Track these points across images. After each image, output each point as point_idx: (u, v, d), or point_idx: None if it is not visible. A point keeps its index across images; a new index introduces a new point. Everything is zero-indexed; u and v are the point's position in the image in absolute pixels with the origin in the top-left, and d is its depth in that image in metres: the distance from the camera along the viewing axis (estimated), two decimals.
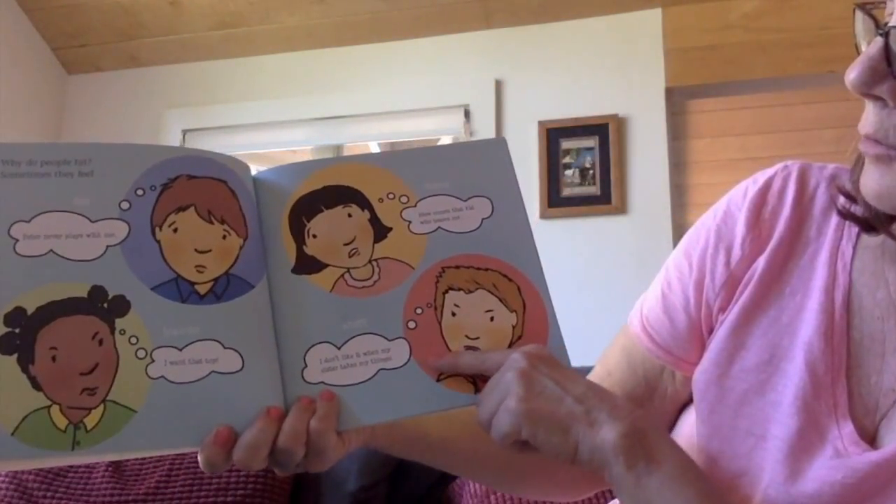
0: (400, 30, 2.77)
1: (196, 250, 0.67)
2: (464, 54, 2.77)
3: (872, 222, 0.63)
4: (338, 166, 0.74)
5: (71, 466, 0.72)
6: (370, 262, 0.71)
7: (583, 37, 2.68)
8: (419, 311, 0.70)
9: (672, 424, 0.82)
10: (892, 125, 0.54)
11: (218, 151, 0.72)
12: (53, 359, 0.61)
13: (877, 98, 0.55)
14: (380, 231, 0.72)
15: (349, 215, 0.72)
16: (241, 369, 0.64)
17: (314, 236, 0.71)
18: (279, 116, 2.88)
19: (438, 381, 0.68)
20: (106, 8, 2.81)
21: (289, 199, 0.72)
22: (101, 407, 0.61)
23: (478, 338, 0.70)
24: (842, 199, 0.67)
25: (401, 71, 2.80)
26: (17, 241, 0.63)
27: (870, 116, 0.56)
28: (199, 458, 0.62)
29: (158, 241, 0.66)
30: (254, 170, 0.73)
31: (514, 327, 0.71)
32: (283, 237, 0.71)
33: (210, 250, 0.67)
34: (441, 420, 0.76)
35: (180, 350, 0.63)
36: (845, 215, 0.67)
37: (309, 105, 2.86)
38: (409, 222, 0.73)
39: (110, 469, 0.73)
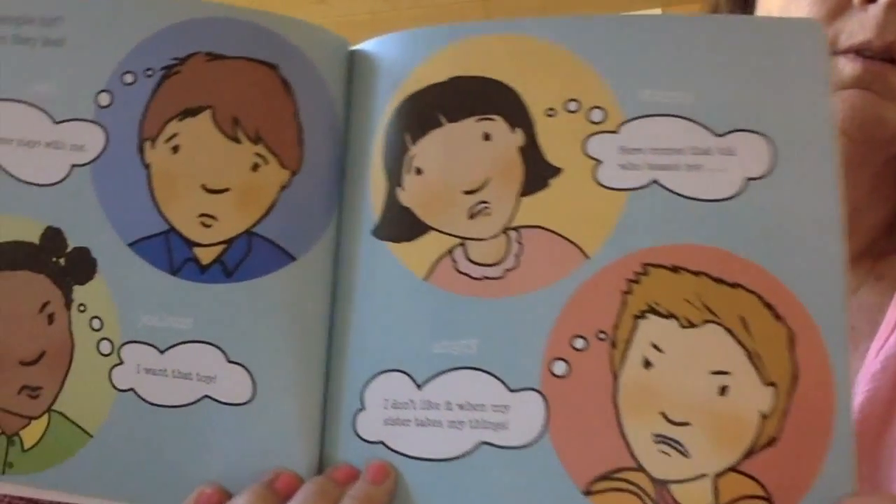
0: (400, 30, 2.43)
1: (205, 188, 0.39)
2: None
3: None
4: (482, 40, 0.39)
5: None
6: (506, 231, 0.38)
7: None
8: (580, 344, 0.36)
9: None
10: None
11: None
12: None
13: None
14: (537, 173, 0.38)
15: (486, 136, 0.39)
16: (249, 400, 0.38)
17: (418, 171, 0.39)
18: None
19: (589, 493, 0.36)
20: None
21: (393, 97, 0.40)
22: (46, 418, 0.40)
23: (687, 424, 0.35)
24: None
25: None
26: None
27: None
28: None
29: (148, 166, 0.40)
30: None
31: (764, 418, 0.35)
32: (373, 171, 0.40)
33: (227, 189, 0.39)
34: None
35: (161, 353, 0.39)
36: None
37: None
38: (598, 163, 0.37)
39: None
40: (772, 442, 0.34)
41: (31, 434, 0.40)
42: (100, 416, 0.39)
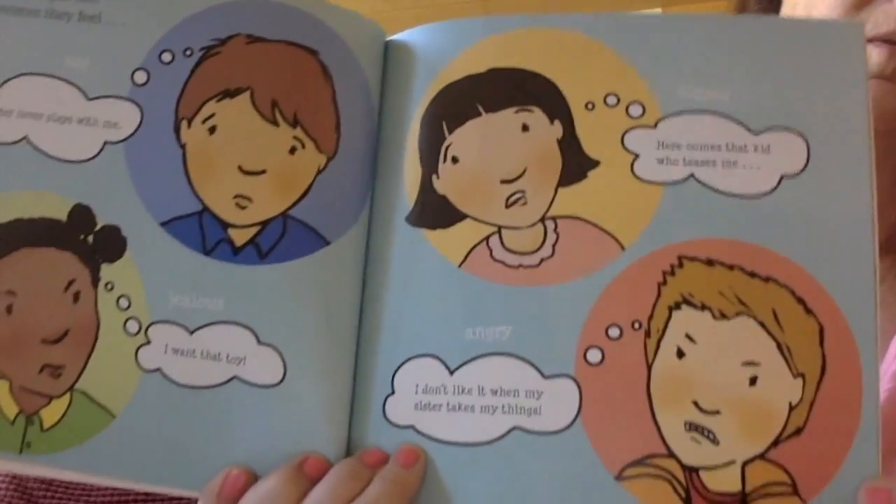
0: (400, 30, 2.40)
1: (241, 169, 0.39)
2: None
3: None
4: (520, 34, 0.40)
5: None
6: (543, 220, 0.39)
7: None
8: (615, 332, 0.37)
9: None
10: None
11: None
12: (9, 309, 0.39)
13: None
14: (575, 164, 0.39)
15: (524, 127, 0.39)
16: (279, 382, 0.38)
17: (455, 160, 0.40)
18: None
19: (620, 478, 0.36)
20: None
21: (430, 87, 0.41)
22: (67, 397, 0.39)
23: (717, 412, 0.36)
24: None
25: None
26: None
27: None
28: None
29: (183, 146, 0.39)
30: None
31: (792, 408, 0.36)
32: (407, 157, 0.41)
33: (264, 171, 0.39)
34: None
35: (191, 333, 0.38)
36: None
37: None
38: (636, 157, 0.38)
39: None
40: (798, 431, 0.36)
41: (51, 413, 0.39)
42: (124, 397, 0.39)
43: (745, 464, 0.36)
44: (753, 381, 0.36)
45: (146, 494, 0.51)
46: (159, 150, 0.39)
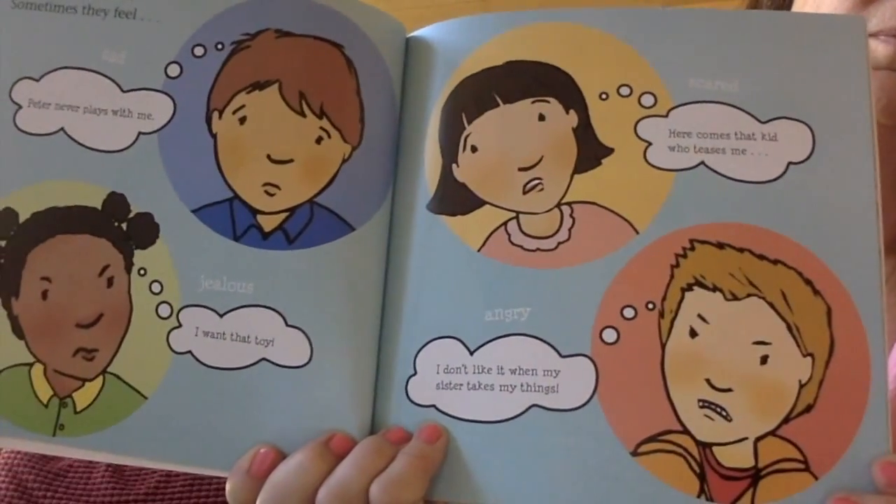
0: None
1: (270, 158, 0.41)
2: None
3: None
4: (536, 28, 0.41)
5: (71, 465, 0.56)
6: (559, 206, 0.40)
7: None
8: (630, 313, 0.38)
9: None
10: None
11: None
12: (45, 294, 0.41)
13: None
14: (590, 152, 0.40)
15: (541, 117, 0.41)
16: (306, 363, 0.40)
17: (473, 149, 0.41)
18: None
19: (636, 454, 0.38)
20: None
21: (448, 82, 0.42)
22: (100, 380, 0.40)
23: (730, 390, 0.37)
24: None
25: None
26: (20, 107, 0.41)
27: None
28: (226, 486, 0.40)
29: (215, 136, 0.41)
30: None
31: (802, 386, 0.37)
32: (428, 147, 0.42)
33: (292, 160, 0.41)
34: None
35: (221, 316, 0.40)
36: None
37: None
38: (649, 144, 0.40)
39: (110, 469, 0.56)
40: (809, 409, 0.37)
41: (84, 396, 0.41)
42: (156, 379, 0.40)
43: (757, 440, 0.37)
44: (764, 359, 0.37)
45: (146, 494, 0.52)
46: (191, 141, 0.41)
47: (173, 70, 0.41)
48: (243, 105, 0.41)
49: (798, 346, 0.37)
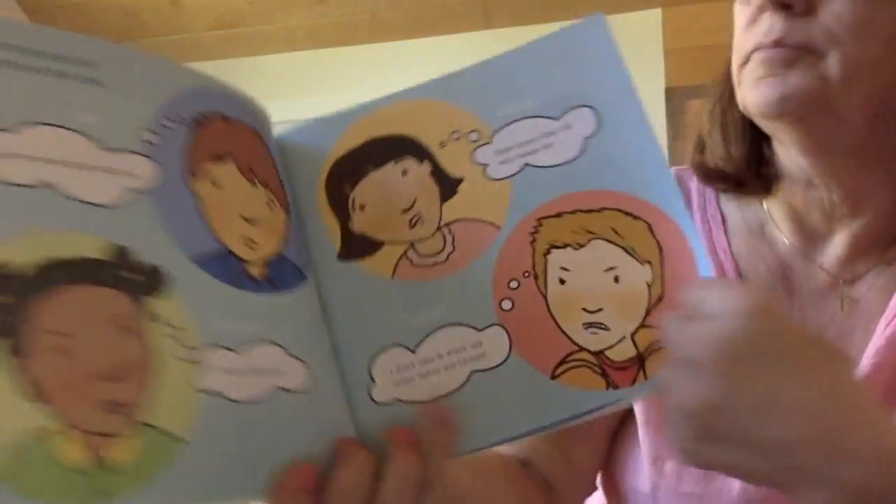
0: (400, 30, 2.77)
1: (243, 217, 0.48)
2: (464, 54, 2.55)
3: (741, 176, 0.68)
4: (380, 111, 0.56)
5: None
6: (439, 229, 0.53)
7: None
8: (514, 284, 0.51)
9: None
10: (799, 28, 0.56)
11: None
12: (58, 350, 0.40)
13: (787, 6, 0.57)
14: (447, 185, 0.54)
15: (404, 172, 0.54)
16: (309, 387, 0.48)
17: (362, 207, 0.54)
18: (279, 116, 2.70)
19: (554, 377, 0.49)
20: (106, 8, 2.76)
21: (323, 165, 0.55)
22: (136, 433, 0.41)
23: (600, 309, 0.50)
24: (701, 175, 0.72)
25: (401, 71, 2.70)
26: None
27: (775, 25, 0.57)
28: None
29: (195, 195, 0.47)
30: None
31: (649, 285, 0.51)
32: (321, 215, 0.54)
33: (257, 220, 0.49)
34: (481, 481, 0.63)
35: (237, 354, 0.45)
36: (712, 178, 0.71)
37: (309, 105, 2.77)
38: (485, 166, 0.54)
39: None
40: (661, 298, 0.50)
41: (120, 451, 0.40)
42: (191, 422, 0.42)
43: (632, 335, 0.50)
44: (616, 279, 0.51)
45: None
46: (178, 198, 0.46)
47: (149, 136, 0.46)
48: (213, 172, 0.48)
49: (636, 259, 0.51)
